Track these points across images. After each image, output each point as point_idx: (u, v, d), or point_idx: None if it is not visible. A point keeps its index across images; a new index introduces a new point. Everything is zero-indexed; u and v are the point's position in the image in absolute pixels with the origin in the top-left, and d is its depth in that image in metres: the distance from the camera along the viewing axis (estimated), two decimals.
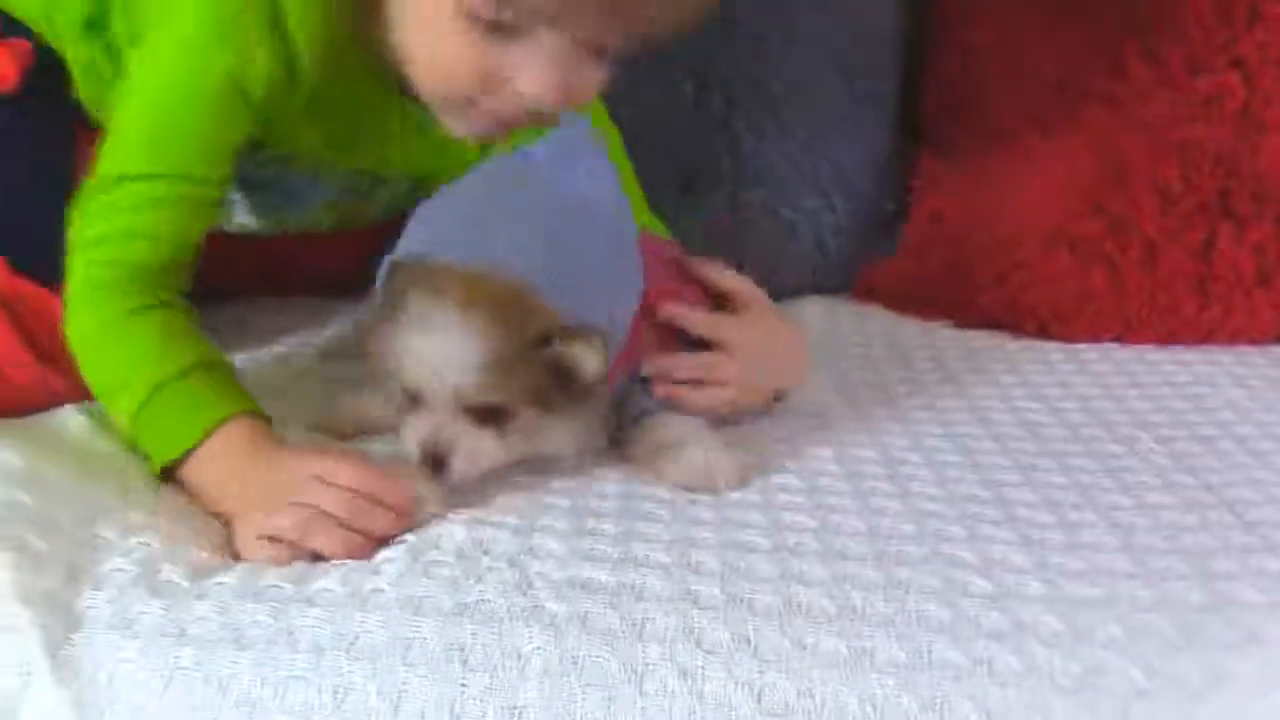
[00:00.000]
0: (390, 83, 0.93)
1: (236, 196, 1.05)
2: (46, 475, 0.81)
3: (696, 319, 0.94)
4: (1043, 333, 1.19)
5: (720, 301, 0.98)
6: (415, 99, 0.91)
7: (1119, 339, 1.18)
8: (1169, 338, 1.18)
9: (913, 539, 0.79)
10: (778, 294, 1.23)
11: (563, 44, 0.85)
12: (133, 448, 0.87)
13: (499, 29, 0.84)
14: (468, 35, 0.85)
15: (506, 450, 0.82)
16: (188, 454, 0.83)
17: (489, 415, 0.80)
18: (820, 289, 1.30)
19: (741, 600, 0.72)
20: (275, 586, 0.73)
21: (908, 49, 1.35)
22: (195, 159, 0.89)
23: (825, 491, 0.86)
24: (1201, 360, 1.14)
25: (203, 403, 0.84)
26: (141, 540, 0.76)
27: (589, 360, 0.80)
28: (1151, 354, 1.16)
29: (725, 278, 0.99)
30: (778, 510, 0.83)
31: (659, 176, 1.22)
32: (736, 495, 0.85)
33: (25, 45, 1.00)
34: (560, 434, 0.84)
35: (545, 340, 0.80)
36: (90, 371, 0.87)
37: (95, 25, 0.98)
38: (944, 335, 1.20)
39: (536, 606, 0.71)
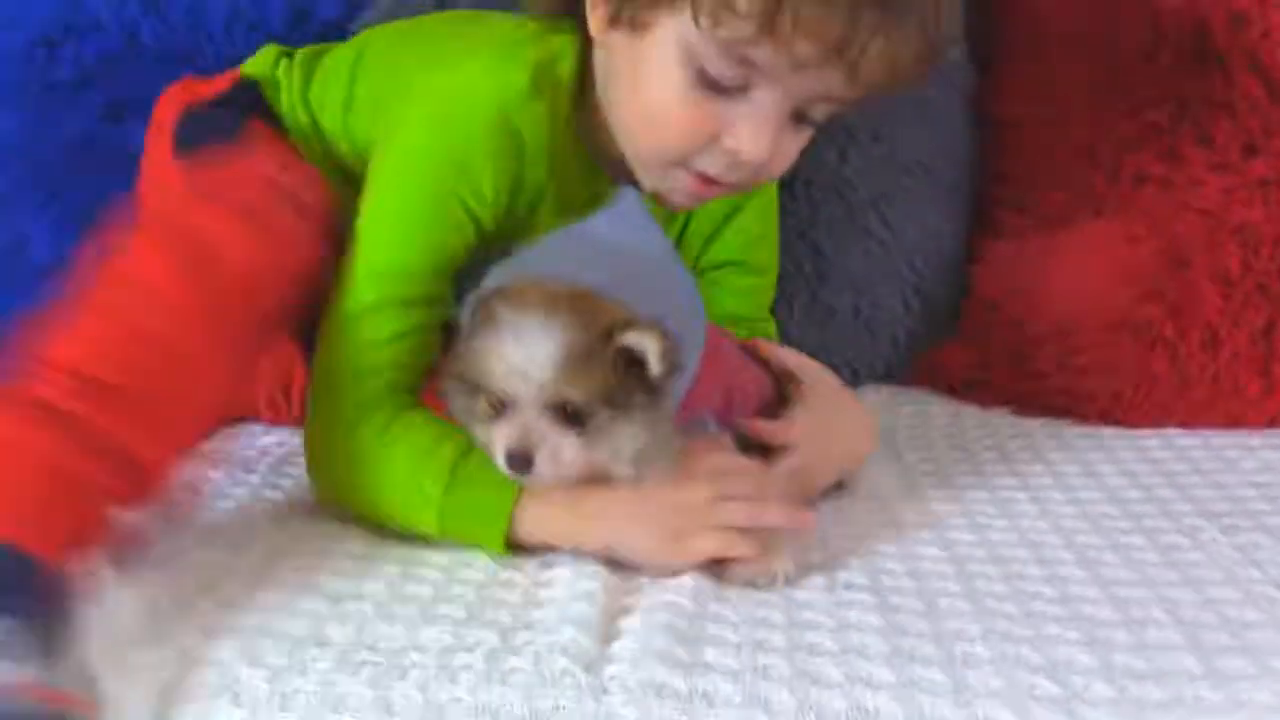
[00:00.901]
0: (600, 167, 0.99)
1: None
2: None
3: (767, 429, 0.97)
4: (1105, 419, 1.20)
5: (786, 378, 1.01)
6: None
7: (1182, 424, 1.19)
8: (1233, 423, 1.18)
9: (979, 639, 0.80)
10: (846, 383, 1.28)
11: (779, 103, 0.90)
12: (444, 535, 0.90)
13: (721, 87, 0.90)
14: (692, 94, 0.90)
15: (585, 451, 0.85)
16: (514, 514, 0.87)
17: (569, 417, 0.85)
18: (883, 377, 1.32)
19: (810, 706, 0.73)
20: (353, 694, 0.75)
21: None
22: (436, 282, 0.95)
23: (890, 590, 0.87)
24: (1266, 445, 1.15)
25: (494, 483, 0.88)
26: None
27: (653, 347, 0.84)
28: (1215, 439, 1.16)
29: (789, 355, 1.02)
30: (844, 609, 0.84)
31: None
32: (803, 595, 0.87)
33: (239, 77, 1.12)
34: (631, 436, 0.87)
35: (613, 331, 0.84)
36: (374, 483, 0.91)
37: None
38: (1004, 422, 1.22)
39: (611, 714, 0.73)
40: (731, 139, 0.91)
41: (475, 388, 0.87)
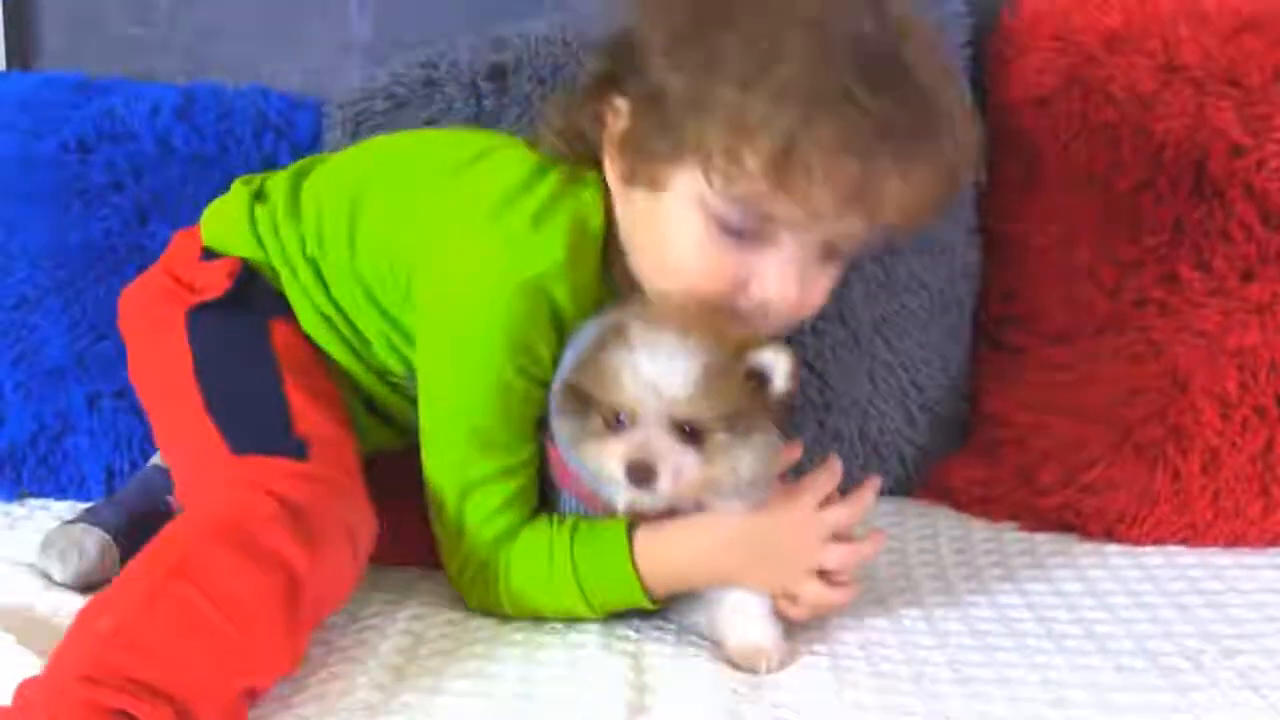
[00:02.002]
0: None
1: None
2: None
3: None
4: (1109, 535, 1.22)
5: None
6: None
7: (1184, 542, 1.20)
8: (1234, 541, 1.20)
9: None
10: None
11: (804, 247, 0.92)
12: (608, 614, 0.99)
13: (744, 235, 0.92)
14: (714, 245, 0.92)
15: (705, 468, 0.88)
16: (634, 565, 0.95)
17: (689, 435, 0.87)
18: (890, 491, 1.33)
19: None
20: None
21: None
22: (520, 444, 0.99)
23: (897, 711, 0.88)
24: (1266, 565, 1.16)
25: (597, 525, 0.98)
26: None
27: (780, 365, 0.88)
28: (1216, 558, 1.18)
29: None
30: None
31: None
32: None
33: (236, 261, 1.12)
34: (746, 457, 0.90)
35: (744, 348, 0.88)
36: (540, 604, 1.00)
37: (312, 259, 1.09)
38: (1010, 537, 1.23)
39: None
40: (759, 287, 0.93)
41: (590, 404, 0.89)
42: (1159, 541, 1.20)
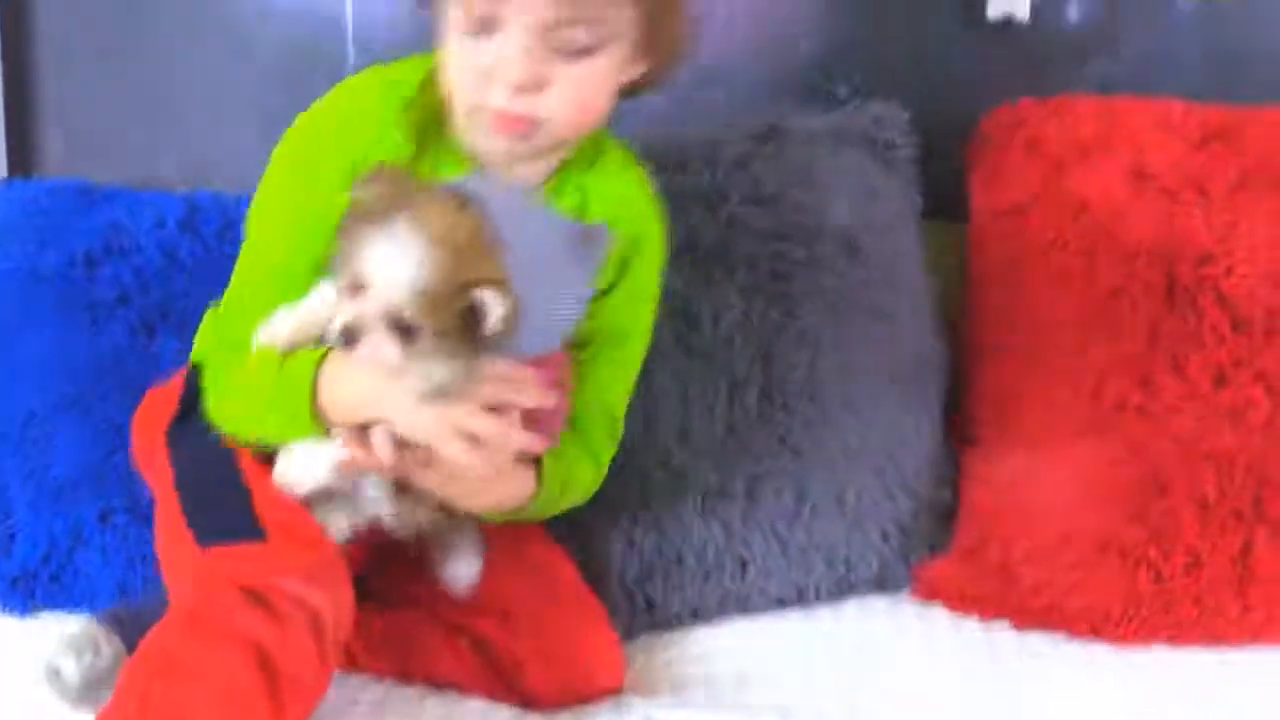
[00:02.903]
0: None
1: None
2: None
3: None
4: (1095, 634, 1.26)
5: None
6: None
7: (1168, 642, 1.25)
8: (1215, 641, 1.24)
9: None
10: (844, 590, 1.36)
11: (527, 31, 1.04)
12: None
13: (480, 27, 1.05)
14: (462, 45, 1.06)
15: (401, 360, 0.97)
16: (315, 390, 1.02)
17: (403, 330, 0.96)
18: (885, 584, 1.37)
19: None
20: None
21: (950, 358, 1.46)
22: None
23: None
24: (1247, 663, 1.21)
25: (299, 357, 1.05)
26: None
27: (496, 309, 0.95)
28: (1198, 657, 1.22)
29: None
30: None
31: (725, 480, 1.34)
32: None
33: (188, 368, 1.18)
34: (440, 371, 0.98)
35: (472, 284, 0.95)
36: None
37: None
38: (1000, 636, 1.27)
39: None
40: (499, 71, 1.05)
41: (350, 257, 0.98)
42: (1143, 642, 1.25)
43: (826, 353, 1.38)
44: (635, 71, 1.13)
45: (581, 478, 1.18)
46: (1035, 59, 1.57)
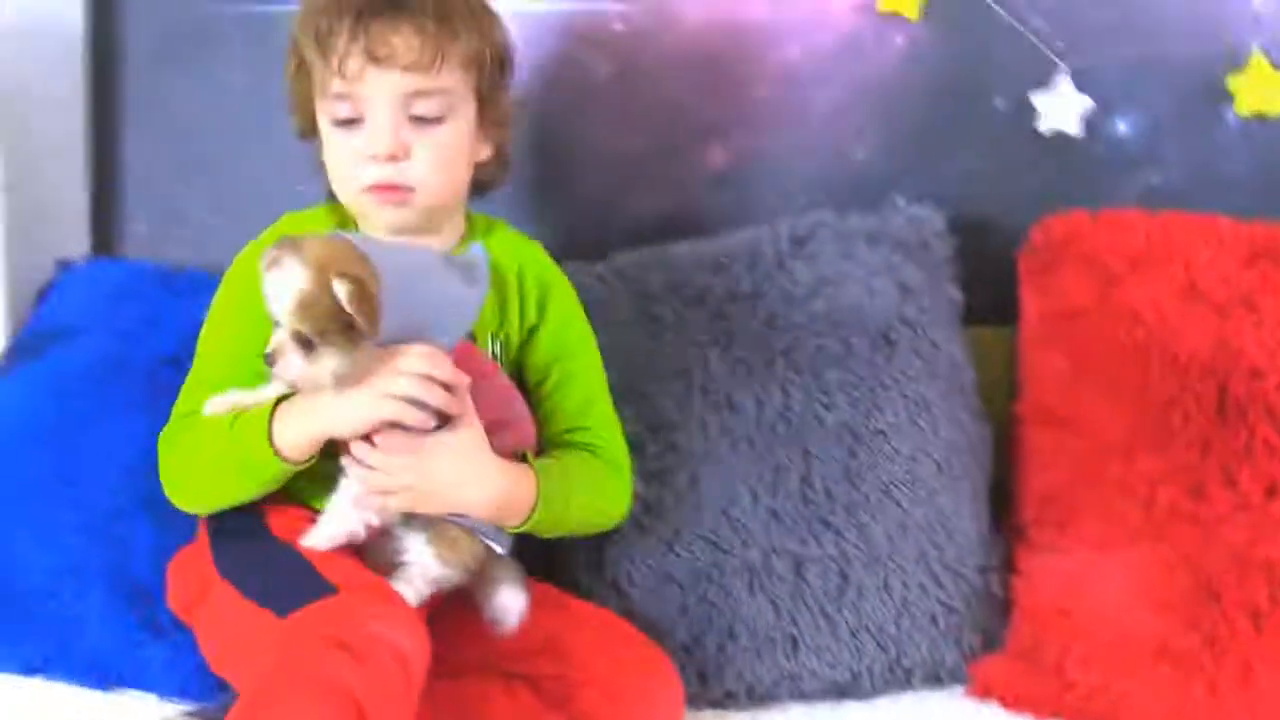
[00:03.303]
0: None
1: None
2: None
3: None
4: None
5: None
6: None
7: None
8: None
9: None
10: (897, 675, 1.40)
11: (386, 106, 1.25)
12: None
13: (348, 117, 1.26)
14: (335, 138, 1.28)
15: (306, 366, 1.14)
16: (270, 435, 1.17)
17: (303, 341, 1.14)
18: (938, 675, 1.40)
19: None
20: None
21: (996, 451, 1.50)
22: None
23: None
24: None
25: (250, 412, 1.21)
26: None
27: (342, 292, 1.11)
28: None
29: None
30: None
31: (770, 560, 1.40)
32: None
33: None
34: (334, 361, 1.14)
35: (329, 280, 1.11)
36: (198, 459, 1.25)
37: None
38: None
39: None
40: (365, 147, 1.26)
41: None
42: None
43: (865, 441, 1.45)
44: (483, 152, 1.34)
45: (594, 475, 1.33)
46: (1085, 170, 1.63)
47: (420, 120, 1.26)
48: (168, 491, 1.28)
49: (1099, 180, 1.63)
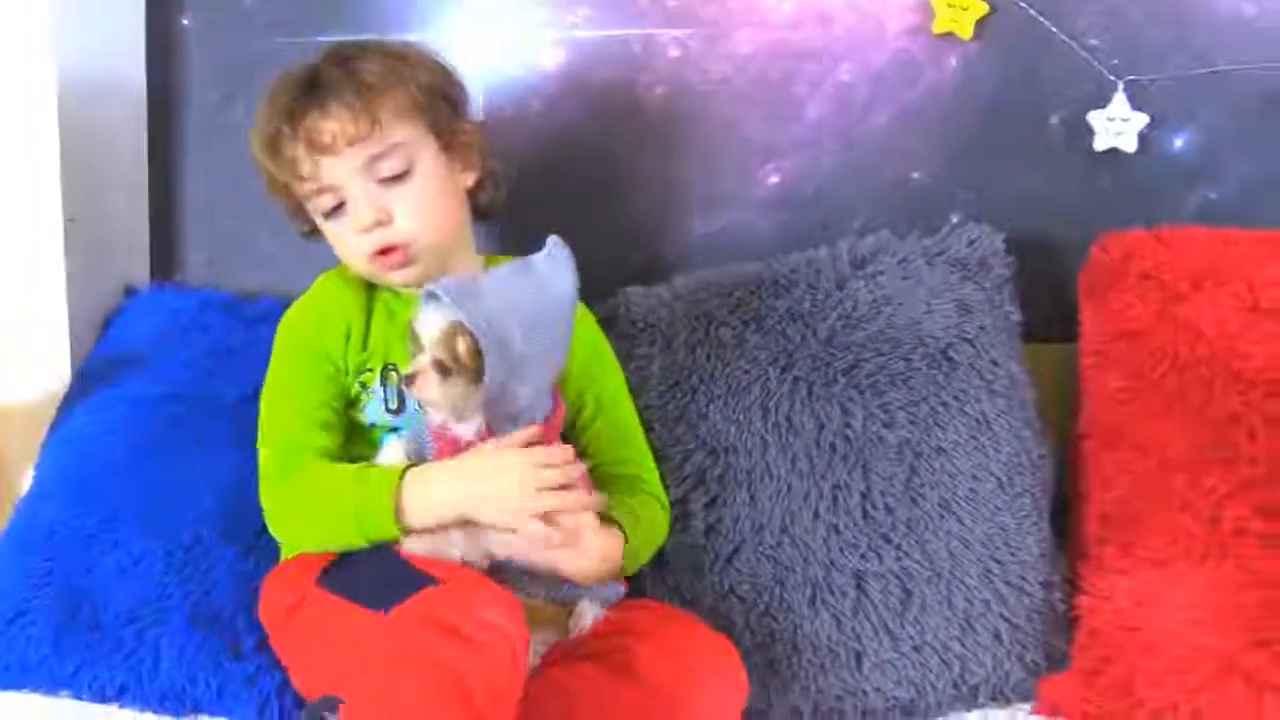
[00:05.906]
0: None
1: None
2: None
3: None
4: None
5: None
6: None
7: None
8: None
9: None
10: (963, 692, 1.40)
11: (355, 178, 1.33)
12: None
13: (333, 211, 1.36)
14: (330, 228, 1.37)
15: (442, 389, 1.25)
16: (399, 506, 1.22)
17: (443, 371, 1.24)
18: (1004, 693, 1.40)
19: None
20: None
21: (1059, 468, 1.51)
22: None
23: None
24: None
25: (377, 473, 1.26)
26: None
27: (448, 344, 1.23)
28: None
29: None
30: None
31: (831, 576, 1.42)
32: None
33: None
34: (461, 393, 1.25)
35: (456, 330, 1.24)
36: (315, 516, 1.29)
37: None
38: None
39: None
40: (353, 223, 1.35)
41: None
42: None
43: (926, 459, 1.46)
44: (468, 180, 1.41)
45: (654, 518, 1.39)
46: (1142, 187, 1.64)
47: (390, 180, 1.34)
48: (273, 528, 1.32)
49: (1156, 197, 1.64)
